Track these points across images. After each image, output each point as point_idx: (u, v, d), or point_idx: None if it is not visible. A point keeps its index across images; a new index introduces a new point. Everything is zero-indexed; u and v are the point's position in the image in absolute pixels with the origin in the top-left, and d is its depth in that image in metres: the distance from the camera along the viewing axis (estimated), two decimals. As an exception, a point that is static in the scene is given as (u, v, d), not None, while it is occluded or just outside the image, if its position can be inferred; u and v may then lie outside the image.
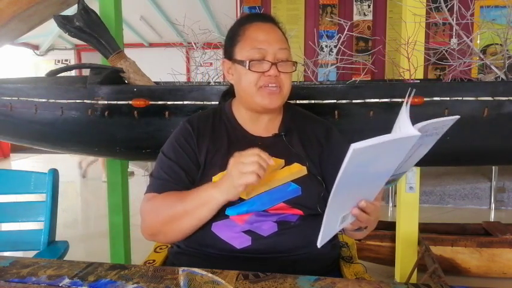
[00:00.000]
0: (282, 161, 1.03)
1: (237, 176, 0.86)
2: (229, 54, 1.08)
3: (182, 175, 1.02)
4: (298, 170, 1.03)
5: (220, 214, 0.97)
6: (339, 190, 0.69)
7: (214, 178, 1.00)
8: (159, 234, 1.01)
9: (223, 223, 0.98)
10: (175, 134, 1.09)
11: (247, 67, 1.01)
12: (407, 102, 0.74)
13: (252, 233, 0.97)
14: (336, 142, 1.10)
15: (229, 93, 1.18)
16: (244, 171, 0.85)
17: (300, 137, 1.10)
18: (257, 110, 1.07)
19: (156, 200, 1.00)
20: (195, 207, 0.94)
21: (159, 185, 1.02)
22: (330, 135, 1.12)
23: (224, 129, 1.09)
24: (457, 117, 0.77)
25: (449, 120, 0.77)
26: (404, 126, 0.70)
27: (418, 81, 1.75)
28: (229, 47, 1.09)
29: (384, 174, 0.76)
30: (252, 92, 1.03)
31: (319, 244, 0.76)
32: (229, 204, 0.96)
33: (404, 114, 0.72)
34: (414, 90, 0.78)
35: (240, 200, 0.97)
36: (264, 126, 1.10)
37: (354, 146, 0.62)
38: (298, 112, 1.18)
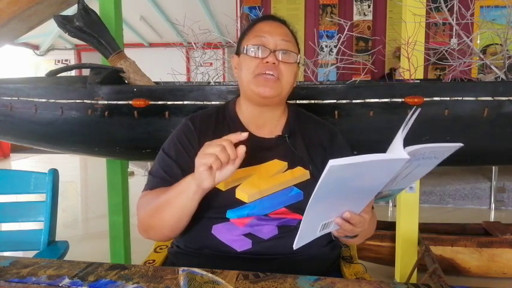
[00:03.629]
0: (285, 164, 1.02)
1: (199, 157, 0.84)
2: (237, 49, 1.11)
3: (180, 174, 1.01)
4: (301, 174, 1.02)
5: (221, 217, 0.97)
6: (317, 200, 0.70)
7: None
8: (149, 229, 0.99)
9: (224, 226, 0.97)
10: (177, 131, 1.08)
11: (244, 52, 1.03)
12: (406, 123, 0.73)
13: (253, 236, 0.96)
14: (340, 147, 1.09)
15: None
16: (206, 152, 0.82)
17: (304, 140, 1.08)
18: (255, 100, 1.05)
19: (147, 196, 1.00)
20: (174, 196, 0.92)
21: (157, 183, 1.02)
22: (334, 140, 1.11)
23: (227, 129, 1.07)
24: (460, 144, 0.74)
25: (449, 146, 0.74)
26: (395, 147, 0.70)
27: (418, 81, 1.75)
28: (238, 43, 1.11)
29: (370, 190, 0.76)
30: (249, 79, 1.03)
31: (295, 246, 0.76)
32: (230, 207, 0.96)
33: (399, 135, 0.71)
34: (419, 109, 0.75)
35: (241, 203, 0.97)
36: (268, 128, 1.08)
37: (331, 163, 0.62)
38: (303, 114, 1.16)
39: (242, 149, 0.84)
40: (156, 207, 0.95)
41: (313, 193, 0.68)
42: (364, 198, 0.80)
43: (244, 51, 1.04)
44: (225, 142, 0.82)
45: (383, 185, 0.75)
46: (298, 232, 0.75)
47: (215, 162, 0.82)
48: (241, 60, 1.07)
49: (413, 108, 0.75)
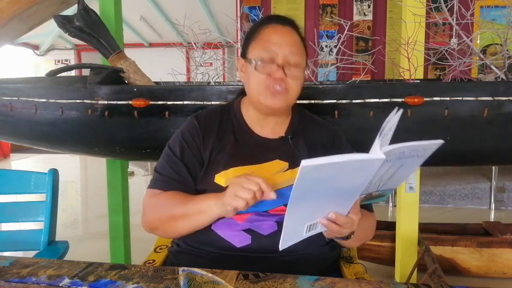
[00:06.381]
0: (285, 164, 1.04)
1: (230, 196, 0.88)
2: (243, 52, 1.10)
3: (185, 172, 1.04)
4: None
5: None
6: (296, 201, 0.70)
7: (217, 176, 1.01)
8: (157, 229, 1.04)
9: (224, 221, 0.98)
10: (182, 130, 1.10)
11: (254, 67, 1.02)
12: (386, 124, 0.72)
13: (252, 232, 0.97)
14: (340, 147, 1.10)
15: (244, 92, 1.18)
16: (238, 195, 0.86)
17: (306, 141, 1.10)
18: (262, 110, 1.07)
19: (159, 198, 1.02)
20: (193, 213, 0.97)
21: (163, 181, 1.04)
22: (335, 141, 1.12)
23: (231, 128, 1.10)
24: (440, 141, 0.73)
25: (430, 144, 0.73)
26: (373, 147, 0.70)
27: (418, 81, 1.75)
28: (245, 45, 1.09)
29: (352, 190, 0.76)
30: (258, 91, 1.03)
31: (281, 247, 0.76)
32: None
33: (378, 136, 0.70)
34: (401, 110, 0.74)
35: None
36: (271, 128, 1.10)
37: (303, 163, 0.62)
38: (307, 116, 1.18)
39: (272, 195, 0.86)
40: (171, 215, 0.99)
41: (291, 194, 0.68)
42: (347, 199, 0.79)
43: (253, 64, 1.03)
44: (256, 188, 0.85)
45: (364, 185, 0.74)
46: (282, 232, 0.75)
47: (252, 200, 0.86)
48: (249, 69, 1.06)
49: (395, 109, 0.74)
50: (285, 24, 1.07)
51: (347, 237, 0.91)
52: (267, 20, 1.09)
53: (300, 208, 0.73)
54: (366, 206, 1.04)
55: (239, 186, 0.86)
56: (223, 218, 0.98)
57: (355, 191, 0.76)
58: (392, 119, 0.73)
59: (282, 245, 0.77)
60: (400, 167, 0.76)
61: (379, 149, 0.68)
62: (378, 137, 0.70)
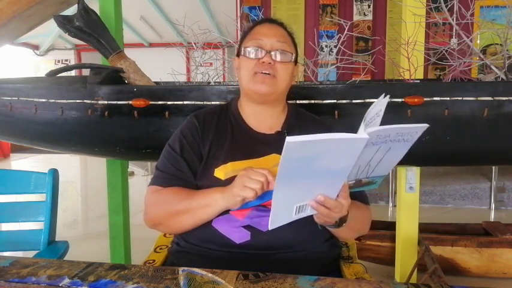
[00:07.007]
0: None
1: (239, 187, 0.90)
2: (238, 52, 1.16)
3: (186, 167, 1.06)
4: None
5: None
6: (283, 180, 0.71)
7: (217, 170, 1.04)
8: (160, 225, 1.06)
9: (224, 218, 1.00)
10: (182, 128, 1.14)
11: (242, 53, 1.10)
12: (372, 108, 0.73)
13: (252, 228, 0.99)
14: None
15: None
16: (247, 185, 0.88)
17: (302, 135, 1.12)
18: (254, 99, 1.11)
19: (162, 194, 1.04)
20: (198, 207, 0.99)
21: (164, 178, 1.07)
22: None
23: (229, 124, 1.13)
24: (425, 125, 0.73)
25: (415, 127, 0.74)
26: (359, 129, 0.71)
27: (418, 81, 1.75)
28: (239, 45, 1.16)
29: (339, 172, 0.77)
30: (248, 79, 1.08)
31: (269, 227, 0.79)
32: None
33: (363, 120, 0.72)
34: (388, 96, 0.76)
35: None
36: (268, 124, 1.13)
37: (288, 140, 0.64)
38: (303, 113, 1.22)
39: None
40: (175, 211, 1.01)
41: (277, 172, 0.69)
42: (335, 181, 0.80)
43: (243, 53, 1.10)
44: (263, 179, 0.88)
45: (350, 167, 0.75)
46: (271, 212, 0.76)
47: (260, 190, 0.88)
48: (240, 61, 1.12)
49: (382, 95, 0.75)
50: (274, 22, 1.15)
51: (339, 225, 0.93)
52: (258, 21, 1.17)
53: (288, 187, 0.74)
54: (360, 197, 1.07)
55: (247, 178, 0.89)
56: (224, 213, 0.99)
57: (342, 173, 0.77)
58: (378, 105, 0.74)
59: (271, 225, 0.78)
60: (388, 152, 0.77)
61: (363, 130, 0.70)
62: (363, 120, 0.72)
